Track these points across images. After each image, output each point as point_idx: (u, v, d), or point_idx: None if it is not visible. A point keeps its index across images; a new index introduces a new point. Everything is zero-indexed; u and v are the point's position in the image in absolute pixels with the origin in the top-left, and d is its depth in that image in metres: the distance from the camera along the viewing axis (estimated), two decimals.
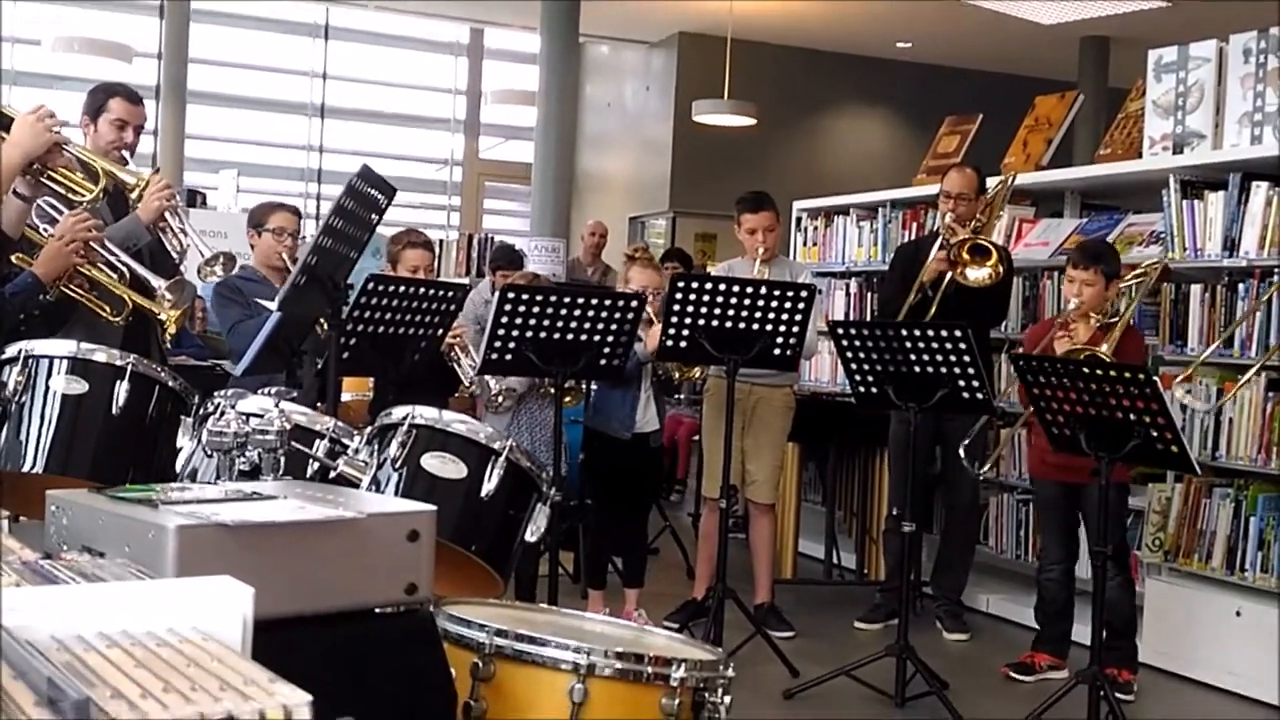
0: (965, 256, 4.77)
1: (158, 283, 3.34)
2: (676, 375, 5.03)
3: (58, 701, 0.74)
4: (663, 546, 6.25)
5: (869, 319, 6.15)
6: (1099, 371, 3.53)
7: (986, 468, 4.31)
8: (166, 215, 3.52)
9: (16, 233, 3.06)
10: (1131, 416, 3.49)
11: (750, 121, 11.13)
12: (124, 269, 3.35)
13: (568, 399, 4.34)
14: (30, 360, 2.55)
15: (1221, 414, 4.61)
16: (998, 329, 5.38)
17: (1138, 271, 4.53)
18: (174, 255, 3.60)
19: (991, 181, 5.27)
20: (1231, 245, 4.61)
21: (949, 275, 4.77)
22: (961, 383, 3.98)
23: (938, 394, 4.01)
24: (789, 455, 5.61)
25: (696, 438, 6.53)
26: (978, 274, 4.77)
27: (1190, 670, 4.55)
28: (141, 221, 3.53)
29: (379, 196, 3.38)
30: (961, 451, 4.44)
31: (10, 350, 2.57)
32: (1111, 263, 4.35)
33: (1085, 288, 4.27)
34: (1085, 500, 4.32)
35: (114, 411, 2.52)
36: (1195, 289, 4.75)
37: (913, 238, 6.06)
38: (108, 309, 3.32)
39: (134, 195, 3.50)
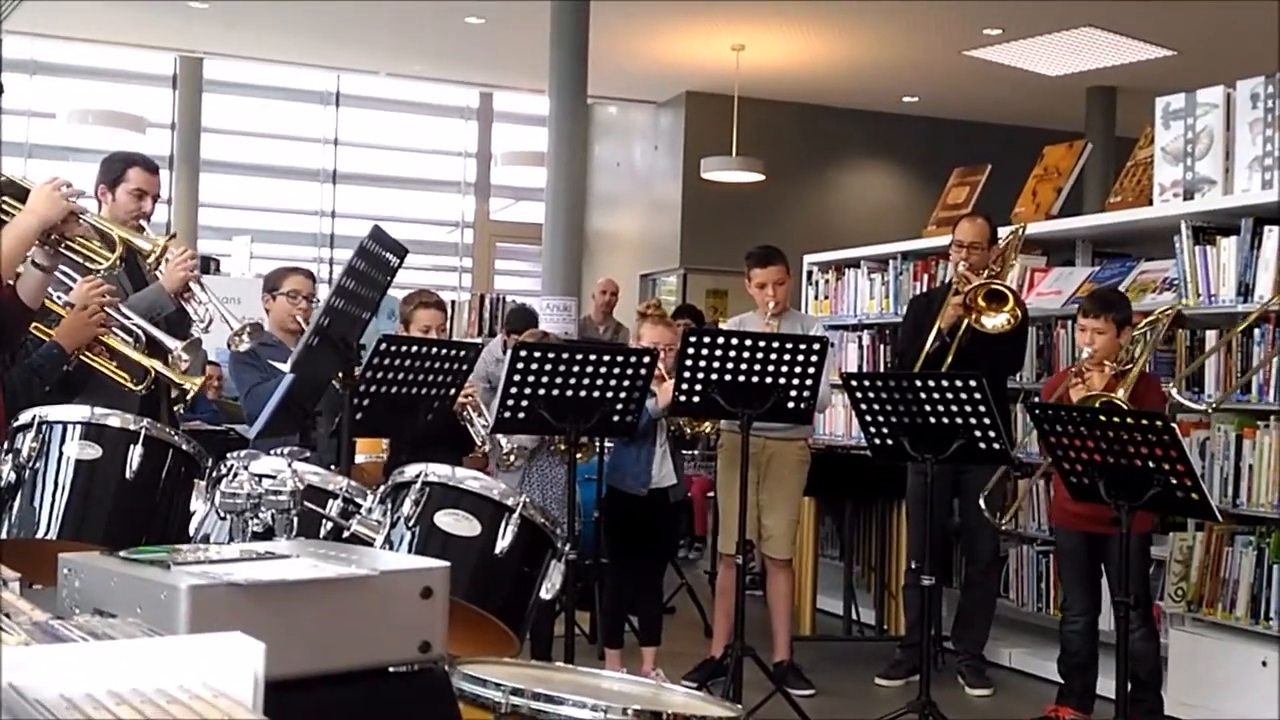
0: (981, 303, 4.77)
1: (173, 344, 3.35)
2: (688, 431, 5.00)
3: None
4: (679, 605, 6.19)
5: (882, 370, 6.14)
6: (1116, 419, 3.51)
7: (1006, 519, 4.26)
8: (190, 285, 3.55)
9: (37, 303, 3.08)
10: (1150, 464, 3.46)
11: (759, 177, 11.20)
12: (139, 332, 3.36)
13: (579, 455, 4.33)
14: (44, 426, 2.55)
15: (1241, 460, 4.57)
16: (1014, 378, 5.36)
17: (1150, 319, 4.51)
18: (198, 324, 3.63)
19: (1003, 231, 5.28)
20: (1246, 290, 4.60)
21: (966, 322, 4.76)
22: (978, 433, 3.96)
23: (954, 445, 3.98)
24: (805, 509, 5.57)
25: (711, 495, 6.49)
26: (995, 320, 4.76)
27: None
28: (165, 291, 3.56)
29: (390, 257, 3.41)
30: (982, 502, 4.40)
31: (24, 417, 2.57)
32: (1122, 310, 4.34)
33: (1097, 336, 4.25)
34: (1108, 551, 4.27)
35: (127, 476, 2.52)
36: (1210, 335, 4.73)
37: (924, 289, 6.07)
38: (127, 378, 3.34)
39: (150, 261, 3.52)
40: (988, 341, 4.76)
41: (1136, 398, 4.08)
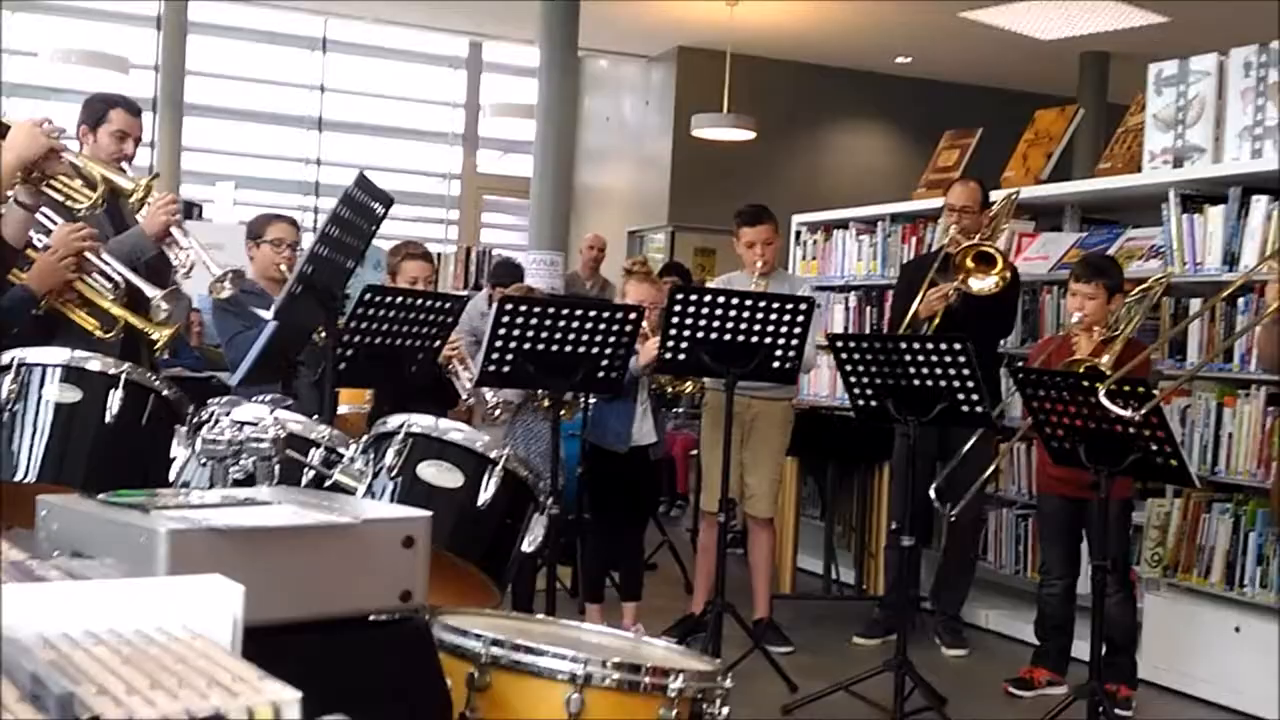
0: (970, 265, 4.76)
1: (152, 292, 3.32)
2: (669, 389, 5.00)
3: (41, 697, 0.72)
4: (660, 561, 6.22)
5: (869, 332, 6.14)
6: (1097, 385, 3.52)
7: (955, 511, 4.26)
8: (172, 230, 3.51)
9: (20, 242, 3.05)
10: (1131, 430, 3.48)
11: (750, 135, 11.14)
12: (119, 279, 3.33)
13: (563, 412, 4.32)
14: (23, 369, 2.53)
15: (1221, 428, 4.59)
16: (1000, 343, 5.36)
17: (1142, 287, 4.51)
18: (180, 269, 3.59)
19: (997, 195, 5.27)
20: (1231, 259, 4.61)
21: (941, 310, 4.74)
22: (960, 396, 3.96)
23: (937, 407, 3.99)
24: (788, 469, 5.59)
25: (694, 453, 6.50)
26: (983, 283, 4.76)
27: (1189, 686, 4.53)
28: (146, 235, 3.52)
29: (376, 206, 3.38)
30: (932, 493, 4.33)
31: (3, 359, 2.54)
32: (1114, 277, 4.34)
33: (1088, 301, 4.26)
34: (1089, 515, 4.30)
35: (107, 420, 2.50)
36: (1194, 303, 4.74)
37: (913, 251, 6.06)
38: (97, 325, 3.30)
39: (132, 202, 3.49)
40: (978, 304, 4.76)
41: (1123, 364, 4.08)
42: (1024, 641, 4.96)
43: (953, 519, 4.43)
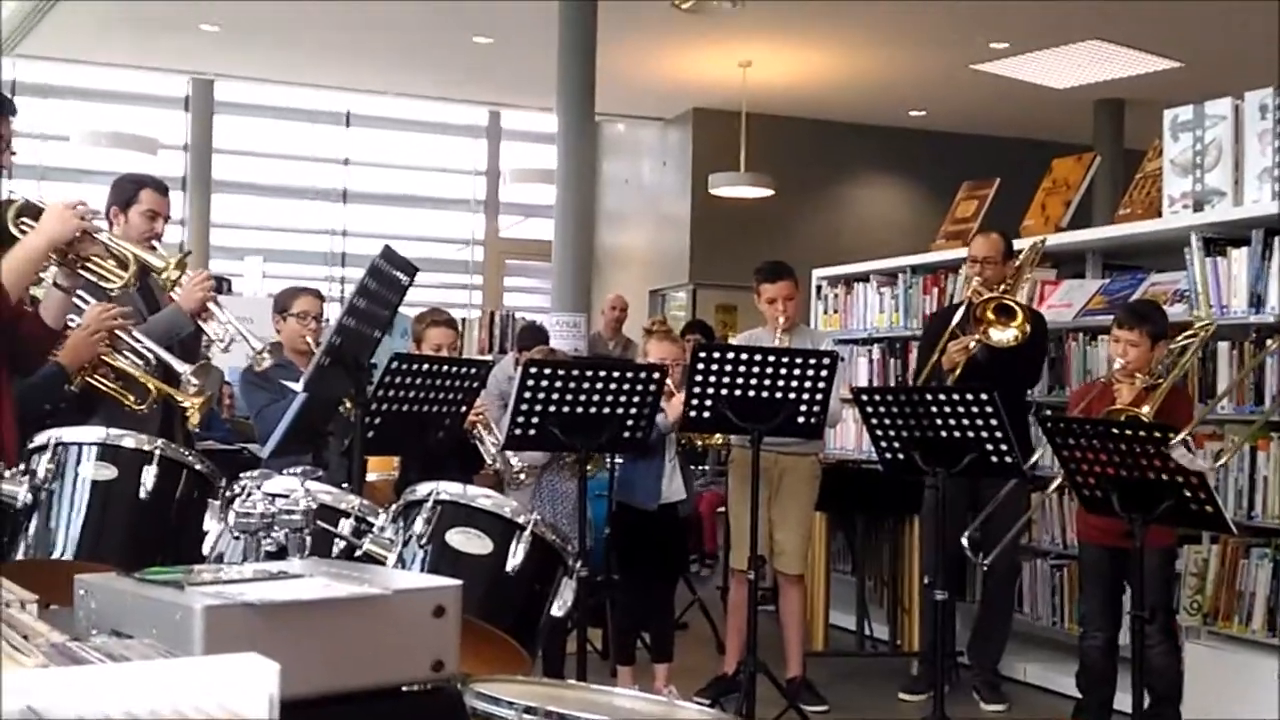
0: (990, 317, 4.77)
1: (182, 368, 3.37)
2: (700, 444, 5.01)
3: None
4: (691, 620, 6.19)
5: (893, 384, 6.13)
6: (1127, 432, 3.49)
7: (989, 560, 4.22)
8: (209, 305, 3.58)
9: (59, 324, 3.11)
10: (1164, 477, 3.45)
11: (767, 193, 11.22)
12: (149, 355, 3.39)
13: (589, 468, 4.33)
14: (60, 448, 2.56)
15: (1256, 472, 4.55)
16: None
17: (1187, 334, 4.45)
18: (218, 344, 3.66)
19: (1021, 244, 5.27)
20: (1257, 301, 4.59)
21: (978, 340, 4.75)
22: (989, 446, 3.95)
23: (966, 459, 3.98)
24: (817, 525, 5.56)
25: (721, 510, 6.48)
26: (1003, 335, 4.76)
27: None
28: (183, 312, 3.59)
29: (401, 276, 3.43)
30: (965, 542, 4.29)
31: (40, 439, 2.58)
32: (1158, 323, 4.29)
33: (1131, 348, 4.21)
34: (1130, 565, 4.24)
35: (142, 496, 2.52)
36: (1222, 346, 4.72)
37: (935, 302, 6.07)
38: (131, 398, 3.36)
39: (164, 280, 3.55)
40: (1004, 355, 4.75)
41: (1165, 413, 4.02)
42: (1064, 695, 4.90)
43: (985, 567, 4.38)
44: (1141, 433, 3.43)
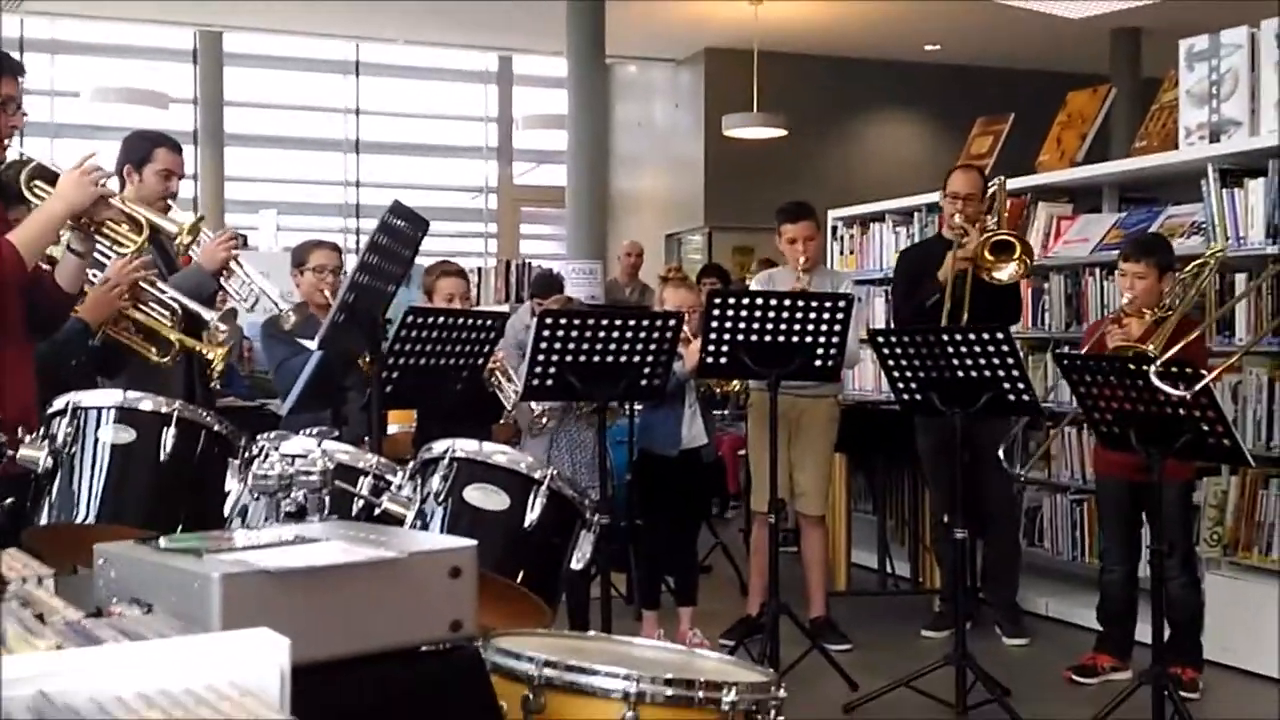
0: (989, 257, 4.74)
1: (209, 314, 3.40)
2: (717, 391, 5.01)
3: None
4: (715, 563, 6.23)
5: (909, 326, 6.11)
6: (1144, 368, 3.48)
7: (1024, 469, 4.23)
8: (232, 264, 3.60)
9: (75, 288, 3.12)
10: (1181, 411, 3.44)
11: (781, 133, 11.13)
12: (175, 305, 3.40)
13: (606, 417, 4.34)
14: (79, 412, 2.58)
15: (1275, 403, 4.53)
16: (1043, 327, 5.33)
17: (1196, 263, 4.44)
18: (242, 303, 3.69)
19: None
20: (1275, 232, 4.54)
21: (968, 275, 4.73)
22: (1007, 385, 3.94)
23: (983, 397, 3.97)
24: (837, 466, 5.58)
25: (743, 452, 6.51)
26: (1007, 270, 4.74)
27: (1255, 665, 4.47)
28: (206, 270, 3.61)
29: (413, 230, 3.42)
30: (1001, 453, 4.33)
31: (58, 403, 2.61)
32: (1164, 255, 4.27)
33: (1138, 281, 4.20)
34: (1149, 498, 4.25)
35: (162, 458, 2.55)
36: (1239, 278, 4.68)
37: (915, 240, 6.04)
38: (154, 351, 3.38)
39: (176, 243, 3.56)
40: (989, 293, 4.74)
41: (1175, 346, 4.00)
42: (1085, 628, 4.92)
43: (1022, 478, 4.37)
44: (1173, 369, 3.41)
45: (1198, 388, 3.33)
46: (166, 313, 3.39)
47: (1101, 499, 4.72)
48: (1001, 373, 3.93)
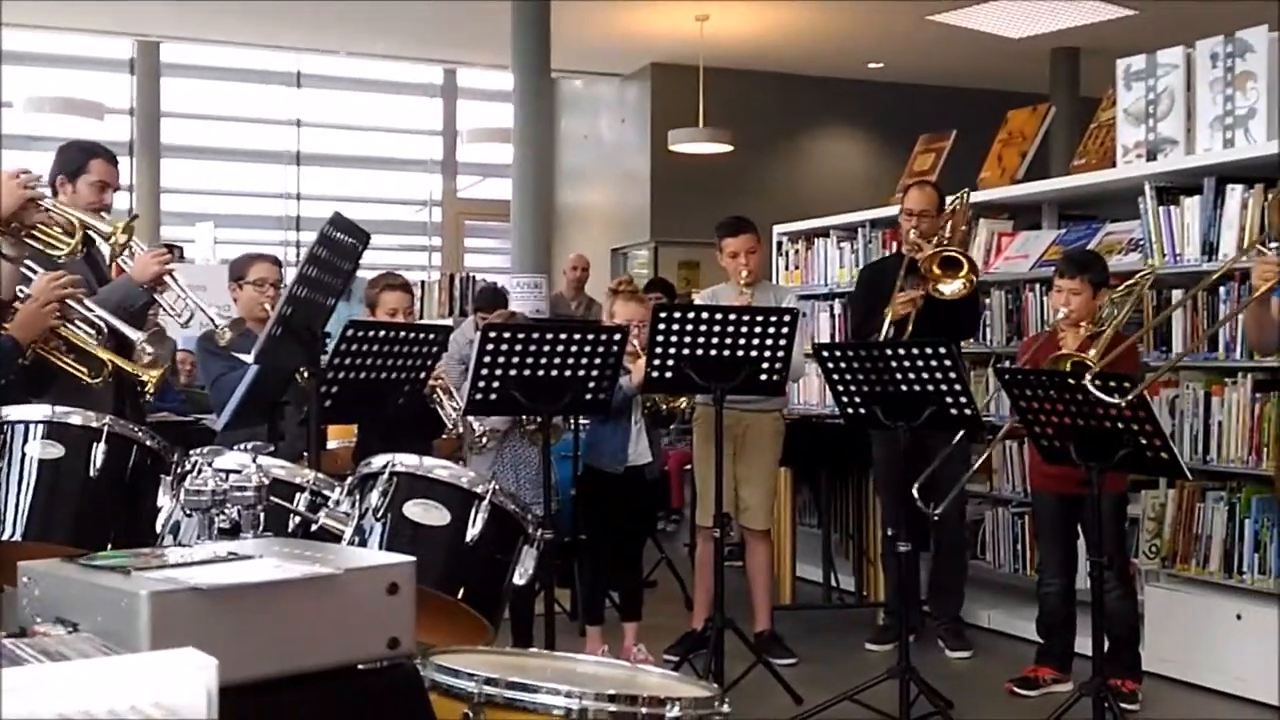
0: (937, 271, 4.78)
1: (136, 335, 3.32)
2: (664, 407, 5.00)
3: None
4: (660, 578, 6.21)
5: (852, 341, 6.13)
6: (1081, 380, 3.51)
7: (939, 510, 4.24)
8: (165, 279, 3.53)
9: (9, 294, 3.05)
10: (1119, 425, 3.48)
11: (727, 148, 11.16)
12: (101, 324, 3.33)
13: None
14: (5, 426, 2.53)
15: (1210, 417, 4.60)
16: (983, 342, 5.37)
17: (1129, 282, 4.52)
18: (176, 318, 3.62)
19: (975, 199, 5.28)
20: (1210, 249, 4.62)
21: (922, 291, 4.76)
22: (949, 399, 3.97)
23: (925, 412, 3.99)
24: (782, 480, 5.58)
25: (689, 467, 6.50)
26: (952, 286, 4.78)
27: (1194, 676, 4.53)
28: (137, 282, 3.53)
29: (353, 242, 3.38)
30: (915, 492, 4.27)
31: None
32: (1098, 271, 4.34)
33: (1073, 297, 4.26)
34: (1084, 511, 4.29)
35: (91, 474, 2.49)
36: (1176, 294, 4.76)
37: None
38: (86, 371, 3.30)
39: (112, 243, 3.48)
40: (945, 308, 4.77)
41: (1108, 360, 4.08)
42: (1026, 640, 4.96)
43: (937, 517, 4.41)
44: (1111, 383, 3.44)
45: (1132, 395, 3.37)
46: (93, 331, 3.32)
47: (1038, 513, 4.76)
48: (944, 387, 3.95)
